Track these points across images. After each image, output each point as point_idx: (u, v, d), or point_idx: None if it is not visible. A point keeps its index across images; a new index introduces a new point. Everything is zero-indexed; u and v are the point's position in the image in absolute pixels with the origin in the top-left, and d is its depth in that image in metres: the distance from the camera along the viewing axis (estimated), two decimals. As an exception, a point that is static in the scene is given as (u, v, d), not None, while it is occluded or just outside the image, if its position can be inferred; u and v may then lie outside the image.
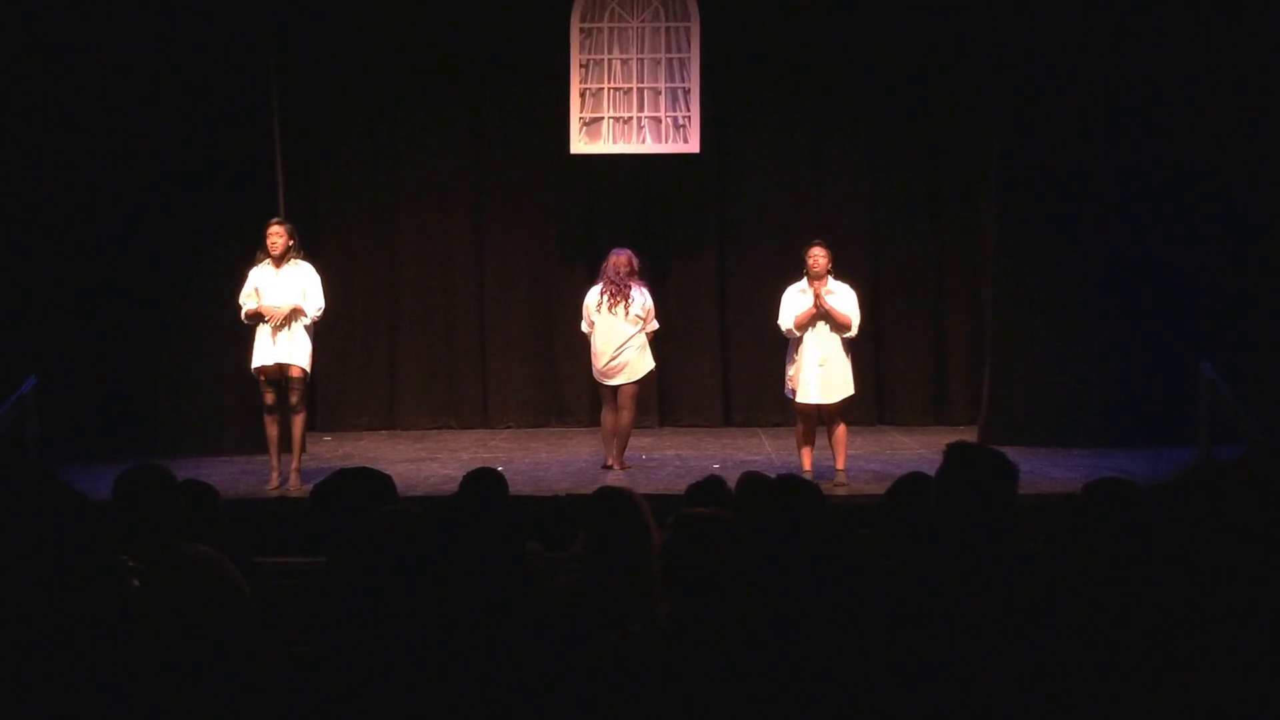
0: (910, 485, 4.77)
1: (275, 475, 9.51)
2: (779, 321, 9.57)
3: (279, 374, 9.45)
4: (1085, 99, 11.13)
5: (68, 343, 11.15)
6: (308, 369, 9.58)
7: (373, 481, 4.52)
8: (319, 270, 9.71)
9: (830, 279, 9.49)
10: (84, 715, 2.55)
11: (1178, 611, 3.10)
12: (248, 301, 9.45)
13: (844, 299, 9.51)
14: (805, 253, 9.56)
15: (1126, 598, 3.16)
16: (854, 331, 9.52)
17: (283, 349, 9.41)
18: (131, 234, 11.30)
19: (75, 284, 11.27)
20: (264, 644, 3.20)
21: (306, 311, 9.42)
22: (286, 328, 9.39)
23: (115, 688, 2.65)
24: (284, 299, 9.39)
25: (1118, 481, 3.85)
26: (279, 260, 9.44)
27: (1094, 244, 11.25)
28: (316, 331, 9.72)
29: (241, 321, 9.56)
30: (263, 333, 9.43)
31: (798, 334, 9.45)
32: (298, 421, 9.57)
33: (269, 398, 9.50)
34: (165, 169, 11.25)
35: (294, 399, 9.50)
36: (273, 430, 9.57)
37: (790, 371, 9.60)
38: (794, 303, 9.50)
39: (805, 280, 9.52)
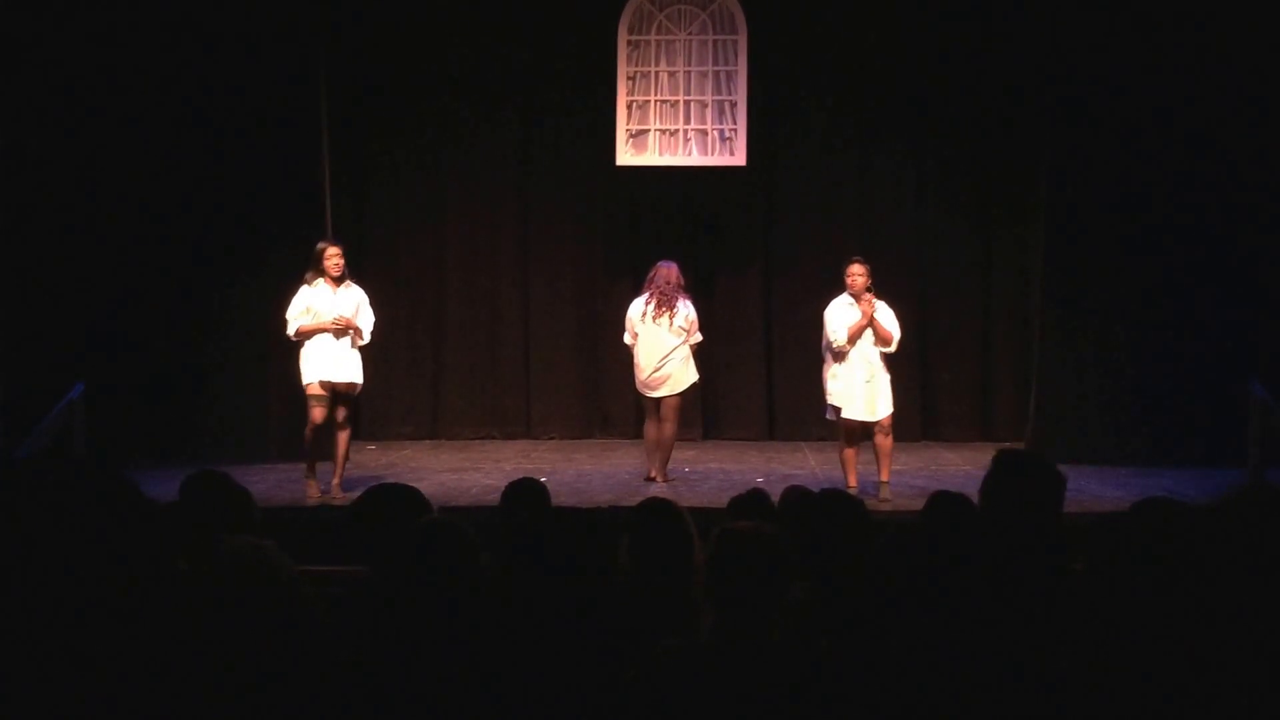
0: (947, 502, 4.73)
1: (315, 488, 9.53)
2: (829, 335, 9.46)
3: (335, 390, 9.49)
4: (1137, 116, 11.05)
5: (114, 350, 11.23)
6: (361, 385, 9.67)
7: (405, 497, 4.48)
8: (363, 287, 9.78)
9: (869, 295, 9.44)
10: (136, 706, 2.56)
11: (1225, 633, 3.06)
12: (302, 319, 9.43)
13: (885, 315, 9.46)
14: (844, 270, 9.50)
15: (1172, 618, 3.12)
16: (894, 347, 9.46)
17: (344, 367, 9.47)
18: (180, 244, 11.39)
19: (123, 292, 11.37)
20: (307, 648, 3.19)
21: (364, 333, 9.49)
22: (343, 346, 9.44)
23: (166, 680, 2.66)
24: (347, 313, 9.46)
25: (1167, 501, 3.79)
26: (338, 282, 9.49)
27: (1144, 261, 11.15)
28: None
29: (288, 338, 9.55)
30: (319, 349, 9.43)
31: (849, 348, 9.38)
32: (344, 437, 9.60)
33: (319, 414, 9.48)
34: (215, 182, 11.35)
35: (343, 415, 9.56)
36: (316, 447, 9.61)
37: (832, 388, 9.51)
38: (844, 316, 9.44)
39: (847, 295, 9.46)
